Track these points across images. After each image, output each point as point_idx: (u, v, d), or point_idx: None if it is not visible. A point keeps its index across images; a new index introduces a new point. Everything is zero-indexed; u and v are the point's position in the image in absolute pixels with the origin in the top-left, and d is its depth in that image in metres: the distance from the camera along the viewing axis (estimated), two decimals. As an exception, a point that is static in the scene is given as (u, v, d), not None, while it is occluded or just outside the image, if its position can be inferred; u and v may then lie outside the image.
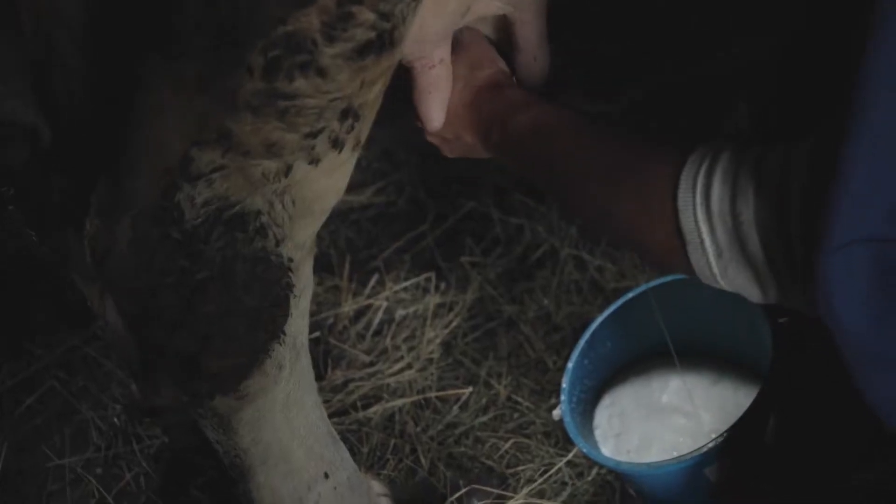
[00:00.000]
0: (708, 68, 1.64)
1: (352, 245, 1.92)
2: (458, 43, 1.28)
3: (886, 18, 0.81)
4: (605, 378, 1.49)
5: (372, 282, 1.82)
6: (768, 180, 0.92)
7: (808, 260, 0.85)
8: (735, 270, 0.97)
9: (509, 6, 1.24)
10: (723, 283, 1.00)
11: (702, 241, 0.98)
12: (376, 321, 1.76)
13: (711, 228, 0.97)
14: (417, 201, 1.98)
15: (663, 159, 1.02)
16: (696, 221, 0.97)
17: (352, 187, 1.99)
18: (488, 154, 1.28)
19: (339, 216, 1.95)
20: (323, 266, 1.85)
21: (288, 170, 1.00)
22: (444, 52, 1.23)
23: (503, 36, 1.30)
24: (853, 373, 0.86)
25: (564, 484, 1.47)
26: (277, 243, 1.07)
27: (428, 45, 1.19)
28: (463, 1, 1.17)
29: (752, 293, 0.99)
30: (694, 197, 0.97)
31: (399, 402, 1.61)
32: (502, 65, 1.31)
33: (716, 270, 0.99)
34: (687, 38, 1.48)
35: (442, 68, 1.23)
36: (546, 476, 1.47)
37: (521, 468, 1.50)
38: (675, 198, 0.98)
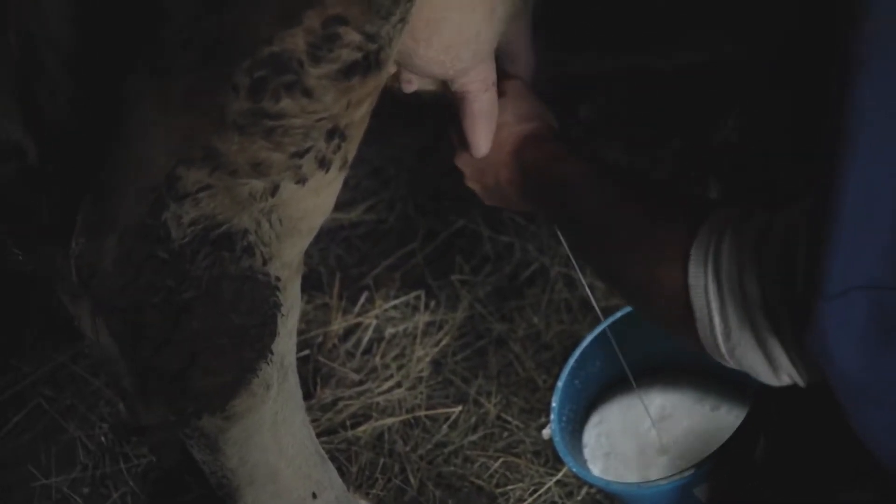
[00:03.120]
0: (697, 81, 1.65)
1: (342, 263, 1.91)
2: (504, 92, 1.28)
3: (864, 55, 0.80)
4: (593, 397, 1.49)
5: (362, 300, 1.82)
6: (772, 252, 0.91)
7: (807, 306, 0.84)
8: (744, 351, 0.96)
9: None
10: (732, 363, 1.00)
11: (711, 320, 0.97)
12: (366, 339, 1.76)
13: (722, 307, 0.96)
14: (407, 219, 1.98)
15: (678, 229, 1.01)
16: (706, 299, 0.96)
17: (342, 205, 2.00)
18: (524, 205, 1.28)
19: (329, 234, 1.95)
20: (312, 284, 1.84)
21: (275, 189, 1.00)
22: (491, 75, 1.23)
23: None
24: (849, 416, 0.86)
25: (554, 503, 1.46)
26: (265, 262, 1.06)
27: (482, 56, 1.17)
28: (506, 8, 1.14)
29: (762, 373, 0.97)
30: (706, 275, 0.96)
31: (388, 421, 1.61)
32: (550, 119, 1.31)
33: (723, 350, 0.98)
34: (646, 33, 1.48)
35: (494, 92, 1.23)
36: (536, 495, 1.46)
37: (510, 487, 1.49)
38: (685, 273, 0.98)
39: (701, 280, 0.97)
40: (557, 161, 1.21)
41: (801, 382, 0.96)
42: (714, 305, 0.96)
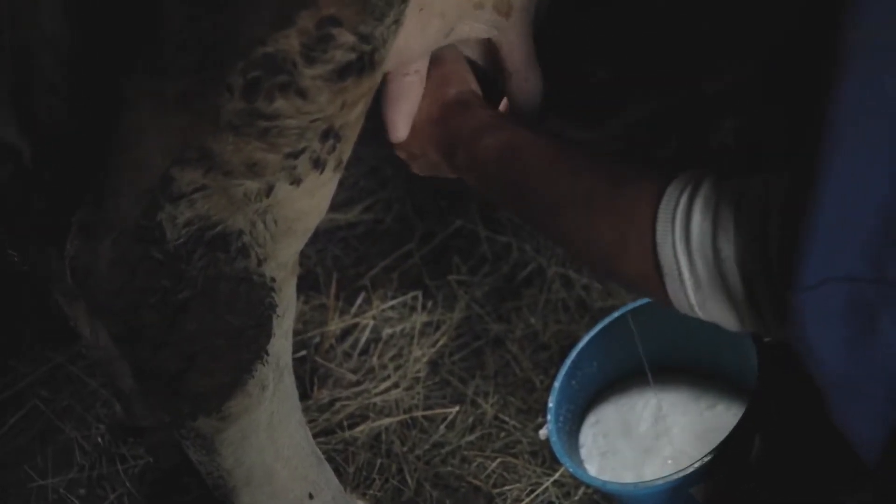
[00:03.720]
0: (696, 91, 1.65)
1: (339, 263, 1.91)
2: (434, 59, 1.26)
3: (852, 56, 0.81)
4: (590, 397, 1.49)
5: (359, 300, 1.82)
6: (748, 217, 0.92)
7: (785, 297, 0.85)
8: (713, 303, 0.97)
9: (493, 29, 1.22)
10: (700, 314, 1.00)
11: (680, 275, 0.97)
12: (363, 340, 1.76)
13: (691, 262, 0.96)
14: (405, 219, 1.97)
15: (641, 189, 1.01)
16: (675, 255, 0.97)
17: (339, 205, 2.00)
18: (454, 174, 1.26)
19: (326, 234, 1.95)
20: (310, 284, 1.84)
21: (270, 190, 1.00)
22: (420, 64, 1.22)
23: (491, 60, 1.29)
24: (829, 408, 0.86)
25: (551, 503, 1.46)
26: (260, 263, 1.06)
27: (407, 61, 1.18)
28: (446, 22, 1.16)
29: (730, 323, 0.99)
30: (673, 231, 0.97)
31: (385, 422, 1.61)
32: (474, 85, 1.28)
33: (693, 302, 0.99)
34: (675, 61, 1.49)
35: (415, 78, 1.22)
36: (533, 496, 1.46)
37: (507, 488, 1.49)
38: (653, 230, 0.98)
39: (668, 237, 0.97)
40: (490, 129, 1.18)
41: (767, 337, 0.97)
42: (682, 260, 0.96)
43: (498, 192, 1.19)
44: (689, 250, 0.96)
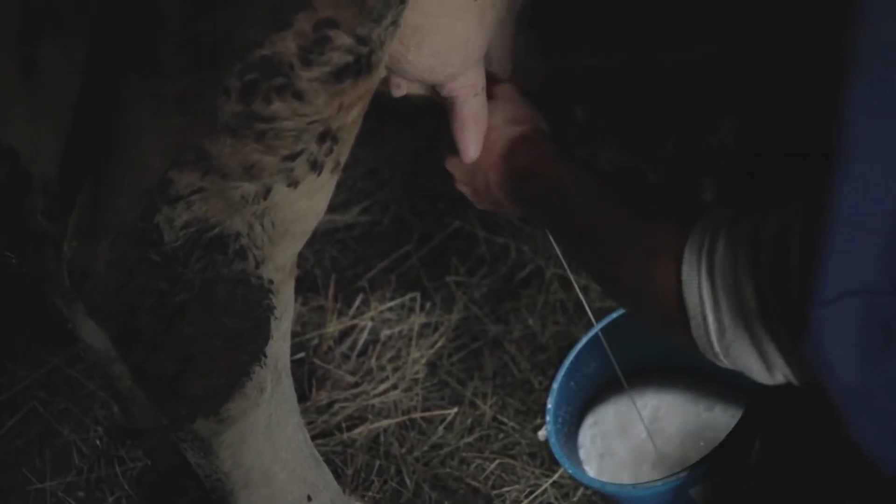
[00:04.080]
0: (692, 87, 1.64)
1: (337, 265, 1.91)
2: (494, 96, 1.28)
3: (861, 56, 0.80)
4: (589, 398, 1.49)
5: (357, 302, 1.82)
6: (766, 252, 0.90)
7: (801, 311, 0.84)
8: (737, 350, 0.96)
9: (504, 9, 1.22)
10: (726, 363, 0.98)
11: (705, 319, 0.96)
12: (361, 341, 1.76)
13: (716, 303, 0.95)
14: (403, 221, 1.97)
15: (669, 227, 1.00)
16: (700, 298, 0.95)
17: (337, 207, 2.00)
18: (514, 208, 1.27)
19: (324, 236, 1.95)
20: (308, 286, 1.84)
21: (267, 192, 1.00)
22: (483, 79, 1.23)
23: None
24: (845, 421, 0.85)
25: (550, 504, 1.46)
26: (257, 265, 1.06)
27: (472, 60, 1.17)
28: (497, 13, 1.15)
29: (757, 372, 0.97)
30: (699, 274, 0.95)
31: (384, 423, 1.61)
32: (542, 123, 1.30)
33: (717, 349, 0.97)
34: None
35: (483, 95, 1.23)
36: (532, 497, 1.46)
37: (506, 489, 1.49)
38: (679, 273, 0.97)
39: (694, 278, 0.96)
40: (547, 163, 1.20)
41: (795, 382, 0.95)
42: (708, 304, 0.95)
43: (550, 226, 1.24)
44: (713, 291, 0.94)
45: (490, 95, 1.27)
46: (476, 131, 1.24)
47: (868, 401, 0.83)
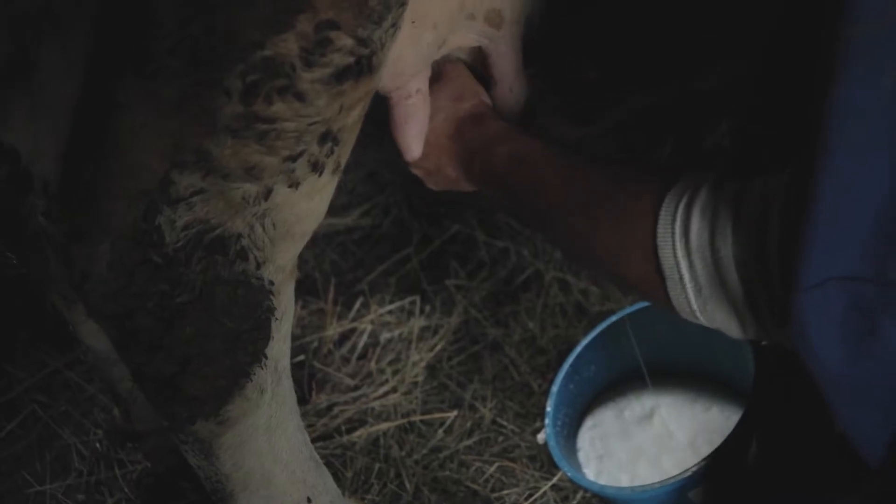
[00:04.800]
0: (689, 87, 1.65)
1: (337, 268, 1.91)
2: (440, 74, 1.30)
3: (849, 54, 0.81)
4: (588, 400, 1.49)
5: (357, 305, 1.82)
6: (747, 216, 0.92)
7: (786, 297, 0.85)
8: (714, 307, 0.97)
9: (485, 39, 1.26)
10: (702, 319, 1.00)
11: (681, 278, 0.97)
12: (361, 344, 1.76)
13: (691, 265, 0.96)
14: (403, 224, 1.97)
15: (642, 192, 1.01)
16: (675, 258, 0.97)
17: (337, 210, 2.00)
18: (471, 187, 1.29)
19: (324, 239, 1.95)
20: (308, 289, 1.84)
21: (268, 193, 1.00)
22: (420, 82, 1.25)
23: (479, 68, 1.32)
24: (832, 408, 0.86)
25: (549, 508, 1.46)
26: (258, 266, 1.06)
27: (404, 76, 1.21)
28: (439, 34, 1.19)
29: (732, 329, 0.99)
30: (673, 233, 0.97)
31: (383, 426, 1.61)
32: (485, 97, 1.32)
33: (695, 307, 0.99)
34: (667, 59, 1.49)
35: (419, 98, 1.25)
36: (531, 500, 1.46)
37: (505, 492, 1.49)
38: (654, 234, 0.98)
39: (669, 240, 0.97)
40: (504, 136, 1.21)
41: (767, 341, 0.97)
42: (683, 263, 0.96)
43: (511, 201, 1.22)
44: (688, 252, 0.96)
45: (436, 77, 1.27)
46: (413, 131, 1.26)
47: (852, 386, 0.84)
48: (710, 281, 0.95)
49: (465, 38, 1.24)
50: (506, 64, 1.29)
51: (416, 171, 1.34)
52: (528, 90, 1.34)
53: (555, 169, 1.14)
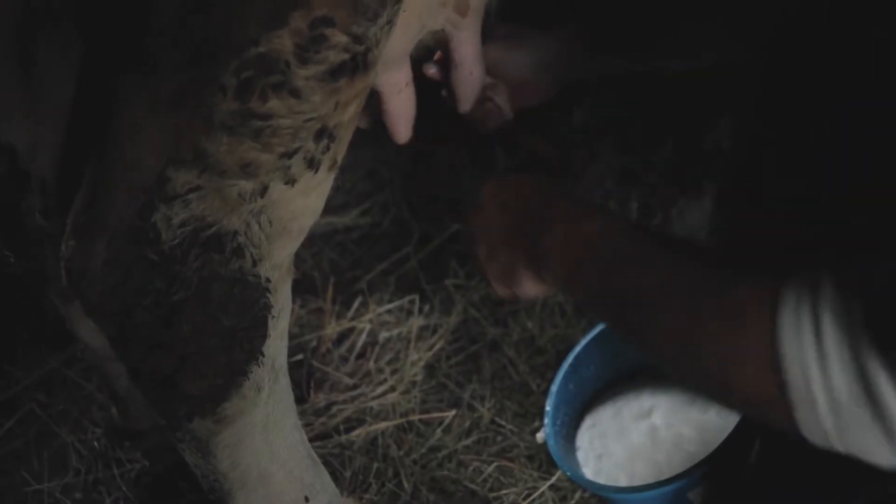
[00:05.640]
0: (688, 87, 1.65)
1: (335, 267, 1.91)
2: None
3: None
4: (587, 400, 1.49)
5: (355, 304, 1.81)
6: (882, 319, 0.76)
7: None
8: (858, 431, 0.80)
9: (449, 24, 1.28)
10: (838, 446, 0.82)
11: (812, 395, 0.80)
12: (360, 344, 1.76)
13: (826, 380, 0.79)
14: (402, 223, 1.97)
15: (754, 288, 0.84)
16: (804, 371, 0.80)
17: (336, 209, 1.99)
18: (548, 287, 1.09)
19: (322, 238, 1.95)
20: (306, 288, 1.84)
21: (264, 190, 1.00)
22: (407, 75, 1.26)
23: (441, 49, 1.34)
24: None
25: (548, 508, 1.46)
26: (255, 264, 1.06)
27: (395, 64, 1.21)
28: (423, 21, 1.21)
29: (882, 455, 0.81)
30: (801, 341, 0.80)
31: (382, 426, 1.60)
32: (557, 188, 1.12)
33: (831, 430, 0.81)
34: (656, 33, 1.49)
35: (408, 91, 1.27)
36: (529, 500, 1.46)
37: (504, 492, 1.49)
38: (775, 340, 0.81)
39: (795, 351, 0.80)
40: (579, 220, 1.01)
41: None
42: (815, 378, 0.79)
43: (589, 298, 1.02)
44: (824, 365, 0.79)
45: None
46: (404, 123, 1.30)
47: None
48: (855, 402, 0.79)
49: (436, 22, 1.27)
50: (467, 48, 1.31)
51: (489, 271, 1.15)
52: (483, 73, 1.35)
53: (640, 246, 0.95)
